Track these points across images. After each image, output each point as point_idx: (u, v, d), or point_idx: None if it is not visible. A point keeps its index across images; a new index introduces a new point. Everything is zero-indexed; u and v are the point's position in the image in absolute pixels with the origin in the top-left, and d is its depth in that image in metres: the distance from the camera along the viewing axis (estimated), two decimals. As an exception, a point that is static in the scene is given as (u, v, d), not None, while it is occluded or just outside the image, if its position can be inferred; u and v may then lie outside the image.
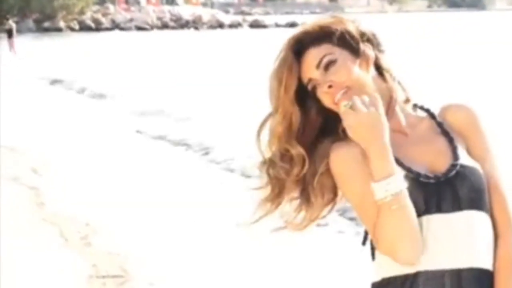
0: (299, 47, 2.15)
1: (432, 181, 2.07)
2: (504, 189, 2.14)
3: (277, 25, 76.45)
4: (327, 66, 2.10)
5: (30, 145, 12.11)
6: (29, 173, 9.98)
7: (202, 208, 8.47)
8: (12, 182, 9.37)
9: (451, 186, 2.07)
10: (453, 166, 2.09)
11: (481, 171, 2.11)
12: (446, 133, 2.15)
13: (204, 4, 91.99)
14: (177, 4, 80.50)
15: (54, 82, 23.51)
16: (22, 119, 15.04)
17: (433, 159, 2.12)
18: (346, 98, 2.06)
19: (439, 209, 2.05)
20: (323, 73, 2.10)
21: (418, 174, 2.06)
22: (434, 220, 2.05)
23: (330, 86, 2.08)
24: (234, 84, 21.99)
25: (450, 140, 2.14)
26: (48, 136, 13.20)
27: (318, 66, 2.11)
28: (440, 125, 2.17)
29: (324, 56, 2.10)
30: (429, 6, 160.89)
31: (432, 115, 2.20)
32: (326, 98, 2.10)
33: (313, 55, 2.12)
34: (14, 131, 13.34)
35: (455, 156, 2.10)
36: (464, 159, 2.11)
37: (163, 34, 60.24)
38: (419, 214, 2.03)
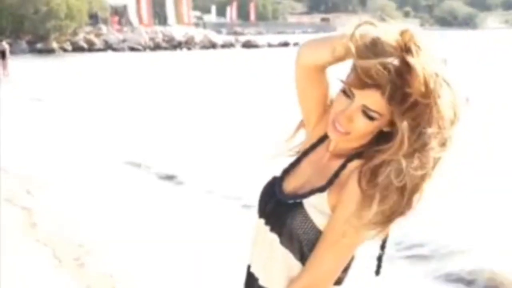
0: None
1: (278, 195, 2.21)
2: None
3: (269, 45, 76.81)
4: (367, 116, 2.00)
5: (23, 166, 12.07)
6: (22, 194, 9.95)
7: (198, 234, 8.46)
8: (5, 203, 9.33)
9: (280, 207, 2.16)
10: (294, 197, 2.15)
11: (314, 224, 2.09)
12: (332, 179, 2.10)
13: (197, 25, 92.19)
14: (169, 24, 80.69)
15: (44, 102, 23.49)
16: (15, 140, 14.99)
17: (301, 184, 2.19)
18: (339, 135, 2.05)
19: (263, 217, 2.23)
20: (359, 112, 2.00)
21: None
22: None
23: (349, 119, 2.02)
24: (230, 106, 22.03)
25: (326, 184, 2.11)
26: (41, 156, 13.17)
27: (364, 112, 2.00)
28: (340, 168, 2.11)
29: (375, 111, 1.98)
30: (421, 25, 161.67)
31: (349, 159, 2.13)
32: (339, 104, 2.05)
33: (375, 98, 1.97)
34: (7, 152, 13.29)
35: (306, 194, 2.13)
36: (311, 205, 2.10)
37: (155, 55, 60.33)
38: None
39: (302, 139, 2.39)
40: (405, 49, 1.95)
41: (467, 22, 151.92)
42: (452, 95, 1.98)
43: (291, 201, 2.14)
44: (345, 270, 2.15)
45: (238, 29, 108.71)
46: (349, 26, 2.05)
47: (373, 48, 1.96)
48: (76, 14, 66.54)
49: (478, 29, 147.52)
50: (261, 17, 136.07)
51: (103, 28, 72.45)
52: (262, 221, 2.22)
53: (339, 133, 2.04)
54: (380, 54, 1.94)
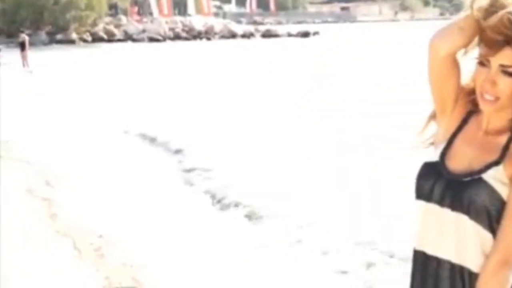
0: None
1: (446, 176, 2.32)
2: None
3: (289, 35, 76.51)
4: (507, 74, 2.19)
5: (43, 157, 12.12)
6: (42, 185, 9.98)
7: (214, 218, 8.47)
8: (25, 194, 9.37)
9: (456, 187, 2.29)
10: (471, 174, 2.27)
11: (499, 195, 2.24)
12: (503, 152, 2.27)
13: (216, 15, 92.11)
14: (189, 15, 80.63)
15: (68, 94, 23.57)
16: (35, 132, 15.06)
17: (468, 163, 2.31)
18: (491, 104, 2.23)
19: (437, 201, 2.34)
20: (499, 73, 2.19)
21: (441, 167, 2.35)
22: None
23: (492, 83, 2.20)
24: (248, 98, 22.03)
25: (499, 157, 2.27)
26: (61, 148, 13.21)
27: (503, 72, 2.19)
28: (509, 140, 2.29)
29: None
30: (441, 14, 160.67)
31: None
32: (480, 76, 2.24)
33: (508, 55, 2.17)
34: (27, 144, 13.36)
35: (482, 169, 2.27)
36: (491, 177, 2.25)
37: (175, 45, 60.35)
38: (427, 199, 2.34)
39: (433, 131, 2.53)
40: None
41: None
42: None
43: (467, 179, 2.27)
44: None
45: (258, 19, 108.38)
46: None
47: (494, 7, 2.16)
48: (96, 4, 66.63)
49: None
50: (281, 6, 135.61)
51: (123, 19, 72.52)
52: (434, 205, 2.32)
53: (490, 102, 2.23)
54: (502, 8, 2.15)
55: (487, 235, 2.23)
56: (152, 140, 14.15)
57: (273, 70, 31.14)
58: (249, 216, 8.43)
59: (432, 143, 2.48)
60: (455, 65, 2.34)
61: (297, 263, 6.79)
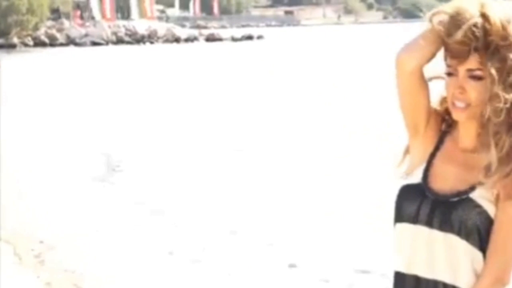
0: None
1: (431, 197, 2.31)
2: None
3: (233, 39, 76.51)
4: (474, 78, 2.22)
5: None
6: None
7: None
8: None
9: (443, 208, 2.28)
10: (458, 194, 2.29)
11: (487, 213, 2.25)
12: (487, 169, 2.25)
13: (160, 18, 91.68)
14: (132, 19, 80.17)
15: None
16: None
17: (452, 182, 2.32)
18: (461, 112, 2.25)
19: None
20: (467, 79, 2.22)
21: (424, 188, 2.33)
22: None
23: (460, 92, 2.23)
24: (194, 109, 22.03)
25: (484, 176, 2.25)
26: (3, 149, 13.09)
27: (470, 77, 2.22)
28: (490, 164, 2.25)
29: (478, 68, 2.21)
30: (385, 17, 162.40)
31: None
32: (450, 86, 2.26)
33: (473, 59, 2.21)
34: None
35: (468, 189, 2.28)
36: (479, 196, 2.26)
37: (118, 49, 59.99)
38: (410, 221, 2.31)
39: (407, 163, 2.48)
40: (481, 9, 2.21)
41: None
42: None
43: (455, 199, 2.27)
44: None
45: (202, 22, 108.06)
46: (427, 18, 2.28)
47: (456, 20, 2.20)
48: (38, 8, 65.82)
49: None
50: (225, 10, 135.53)
51: (65, 23, 71.79)
52: (421, 226, 2.30)
53: (461, 109, 2.25)
54: (464, 21, 2.18)
55: (478, 254, 2.25)
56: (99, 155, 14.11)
57: (217, 74, 31.20)
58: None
59: (407, 174, 2.45)
60: (423, 80, 2.34)
61: None
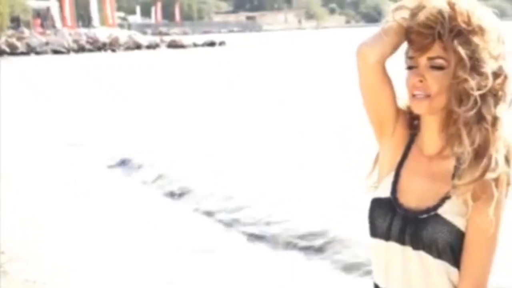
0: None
1: (401, 213, 2.24)
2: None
3: (195, 45, 76.56)
4: (435, 68, 2.17)
5: None
6: None
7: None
8: None
9: (413, 225, 2.21)
10: (427, 210, 2.22)
11: (458, 228, 2.19)
12: (459, 164, 2.19)
13: (121, 26, 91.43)
14: (93, 26, 79.85)
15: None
16: None
17: (420, 196, 2.25)
18: (421, 103, 2.17)
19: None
20: (427, 69, 2.17)
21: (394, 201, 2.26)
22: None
23: (421, 81, 2.17)
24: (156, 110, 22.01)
25: (452, 189, 2.19)
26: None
27: (431, 66, 2.17)
28: (456, 169, 2.20)
29: (439, 57, 2.16)
30: (347, 22, 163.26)
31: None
32: (409, 78, 2.20)
33: (433, 47, 2.16)
34: None
35: (437, 205, 2.21)
36: (448, 212, 2.19)
37: (79, 57, 59.69)
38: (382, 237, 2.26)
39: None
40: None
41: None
42: (492, 20, 2.19)
43: (424, 216, 2.20)
44: None
45: (163, 29, 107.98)
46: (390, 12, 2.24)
47: (420, 7, 2.16)
48: (-3, 17, 65.33)
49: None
50: (187, 17, 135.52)
51: (26, 31, 71.31)
52: (394, 243, 2.25)
53: (421, 99, 2.17)
54: (427, 8, 2.15)
55: (453, 269, 2.20)
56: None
57: (178, 81, 31.17)
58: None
59: (376, 187, 2.38)
60: (386, 76, 2.27)
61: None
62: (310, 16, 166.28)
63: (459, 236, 2.18)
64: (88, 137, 16.19)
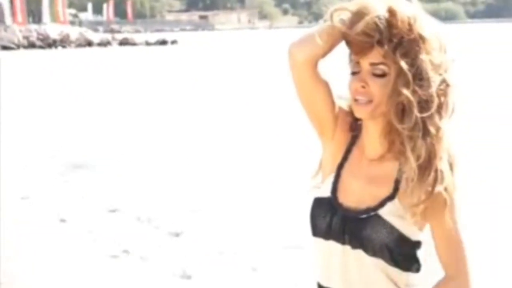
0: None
1: (341, 212, 2.26)
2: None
3: (147, 43, 76.31)
4: (377, 75, 2.15)
5: None
6: None
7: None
8: None
9: (353, 224, 2.24)
10: (367, 211, 2.24)
11: (397, 230, 2.20)
12: (396, 185, 2.22)
13: (73, 23, 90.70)
14: (44, 23, 79.11)
15: None
16: None
17: (360, 196, 2.27)
18: (363, 108, 2.17)
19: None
20: (370, 75, 2.16)
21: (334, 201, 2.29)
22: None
23: (363, 87, 2.16)
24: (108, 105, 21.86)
25: (393, 191, 2.23)
26: None
27: (373, 73, 2.15)
28: (399, 172, 2.22)
29: (382, 63, 2.14)
30: (300, 22, 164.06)
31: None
32: (352, 83, 2.19)
33: (375, 53, 2.14)
34: None
35: (378, 206, 2.23)
36: (388, 213, 2.21)
37: (29, 53, 59.07)
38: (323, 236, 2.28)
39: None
40: (388, 5, 2.14)
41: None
42: (433, 29, 2.18)
43: (364, 216, 2.22)
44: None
45: (115, 27, 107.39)
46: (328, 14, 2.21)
47: (360, 14, 2.12)
48: None
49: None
50: (139, 15, 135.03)
51: (-25, 27, 70.40)
52: (334, 242, 2.27)
53: (363, 104, 2.17)
54: (368, 15, 2.11)
55: (392, 269, 2.22)
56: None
57: (129, 79, 31.05)
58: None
59: (319, 186, 2.39)
60: (318, 75, 2.26)
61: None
62: (263, 16, 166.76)
63: (398, 238, 2.19)
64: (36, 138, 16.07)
